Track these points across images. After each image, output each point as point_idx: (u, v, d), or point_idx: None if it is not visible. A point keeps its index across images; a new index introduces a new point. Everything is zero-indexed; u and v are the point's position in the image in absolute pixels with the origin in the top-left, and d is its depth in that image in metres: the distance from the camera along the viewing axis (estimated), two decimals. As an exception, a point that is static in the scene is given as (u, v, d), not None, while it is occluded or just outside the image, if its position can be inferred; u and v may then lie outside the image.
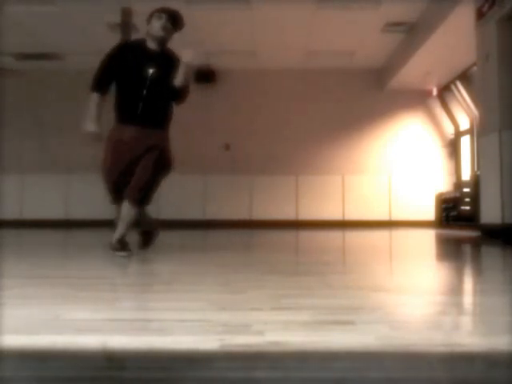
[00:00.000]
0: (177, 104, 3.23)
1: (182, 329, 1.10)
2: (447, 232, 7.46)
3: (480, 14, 5.55)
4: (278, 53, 9.32)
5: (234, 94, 9.96)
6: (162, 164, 3.13)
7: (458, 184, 9.36)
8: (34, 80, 10.22)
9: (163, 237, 6.40)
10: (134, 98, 3.08)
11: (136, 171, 3.07)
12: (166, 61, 3.15)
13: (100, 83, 3.13)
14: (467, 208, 8.19)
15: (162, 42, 3.16)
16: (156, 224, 3.49)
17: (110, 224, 7.78)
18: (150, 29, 3.14)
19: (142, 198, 3.08)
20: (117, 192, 3.13)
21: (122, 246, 2.99)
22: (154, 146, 3.07)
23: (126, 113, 3.12)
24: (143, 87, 3.07)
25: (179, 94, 3.15)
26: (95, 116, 3.10)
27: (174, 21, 3.17)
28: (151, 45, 3.16)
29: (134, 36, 7.90)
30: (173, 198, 8.99)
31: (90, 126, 3.10)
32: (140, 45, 3.18)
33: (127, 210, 3.06)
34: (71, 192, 10.01)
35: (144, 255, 3.38)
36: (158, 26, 3.10)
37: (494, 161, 5.17)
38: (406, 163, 10.16)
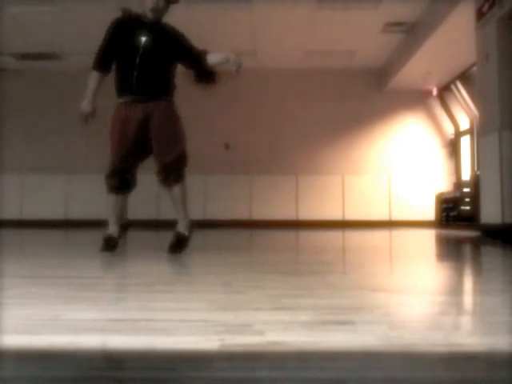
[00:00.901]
0: (202, 82, 3.12)
1: (182, 329, 1.09)
2: (447, 232, 7.46)
3: (480, 14, 5.55)
4: (278, 53, 9.32)
5: (234, 94, 9.96)
6: (174, 137, 3.02)
7: (458, 184, 9.36)
8: (34, 80, 10.22)
9: (163, 237, 6.40)
10: (127, 68, 3.00)
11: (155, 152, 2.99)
12: (162, 31, 3.06)
13: (99, 61, 3.08)
14: (467, 208, 8.19)
15: (158, 13, 3.04)
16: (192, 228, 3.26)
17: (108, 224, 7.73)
18: (142, 4, 3.05)
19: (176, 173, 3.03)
20: (119, 175, 3.03)
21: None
22: (157, 120, 2.97)
23: (121, 85, 3.04)
24: (136, 55, 2.98)
25: (206, 73, 3.07)
26: (92, 95, 3.07)
27: None
28: (145, 19, 3.07)
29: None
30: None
31: (85, 106, 3.07)
32: (134, 18, 3.12)
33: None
34: (71, 192, 10.01)
35: (144, 255, 3.38)
36: (148, 4, 3.00)
37: (493, 161, 5.17)
38: (406, 163, 10.16)
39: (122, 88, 3.04)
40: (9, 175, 9.74)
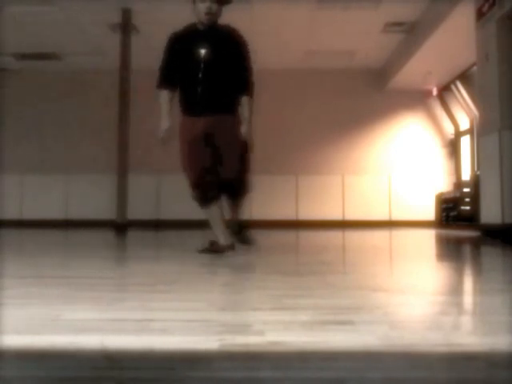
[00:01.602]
0: (244, 95, 2.97)
1: (182, 329, 1.10)
2: (447, 232, 7.46)
3: (480, 14, 5.55)
4: (278, 53, 9.32)
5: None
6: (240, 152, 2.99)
7: (458, 184, 9.36)
8: (34, 80, 10.22)
9: (164, 237, 6.40)
10: (191, 83, 2.90)
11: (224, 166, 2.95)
12: (221, 39, 2.93)
13: (165, 78, 2.99)
14: (467, 208, 8.19)
15: (211, 22, 2.93)
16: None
17: (108, 224, 7.74)
18: (194, 10, 2.90)
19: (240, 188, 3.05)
20: (205, 191, 2.95)
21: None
22: (223, 135, 2.92)
23: (186, 102, 2.97)
24: (198, 70, 2.87)
25: (247, 84, 2.97)
26: (167, 114, 2.97)
27: None
28: (200, 26, 2.94)
29: (134, 37, 7.94)
30: (173, 198, 8.99)
31: (163, 126, 2.96)
32: (190, 29, 2.99)
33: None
34: (71, 192, 10.01)
35: (144, 255, 3.38)
36: (202, 10, 2.86)
37: (493, 161, 5.17)
38: (406, 163, 10.16)
39: (187, 104, 2.97)
40: (9, 175, 9.74)
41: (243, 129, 2.95)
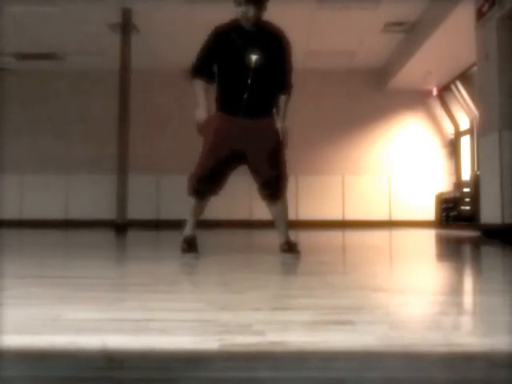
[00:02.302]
0: (283, 95, 2.96)
1: (182, 329, 1.10)
2: (447, 232, 7.46)
3: (480, 14, 5.55)
4: (278, 53, 9.30)
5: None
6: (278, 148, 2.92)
7: (458, 184, 9.36)
8: (34, 80, 10.22)
9: (164, 237, 6.40)
10: (237, 88, 2.85)
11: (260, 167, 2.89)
12: (269, 42, 2.89)
13: (202, 68, 2.91)
14: (467, 208, 8.19)
15: (251, 25, 2.86)
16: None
17: (108, 224, 7.73)
18: (236, 10, 2.83)
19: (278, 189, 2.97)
20: (207, 183, 2.91)
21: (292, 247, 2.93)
22: (260, 136, 2.87)
23: (228, 104, 2.91)
24: (247, 77, 2.83)
25: (288, 84, 2.96)
26: (205, 102, 2.87)
27: (255, 2, 2.81)
28: (245, 25, 2.86)
29: (134, 36, 7.94)
30: (173, 198, 8.99)
31: (201, 114, 2.87)
32: (235, 27, 2.89)
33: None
34: (71, 192, 10.01)
35: (144, 255, 3.38)
36: (239, 13, 2.81)
37: (493, 161, 5.17)
38: (406, 163, 10.16)
39: (229, 107, 2.91)
40: (9, 175, 9.74)
41: (279, 125, 2.92)
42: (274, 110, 3.01)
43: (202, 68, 2.93)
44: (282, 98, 2.99)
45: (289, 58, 3.01)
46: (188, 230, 3.01)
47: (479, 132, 5.95)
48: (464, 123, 9.64)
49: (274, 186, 2.95)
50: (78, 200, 9.92)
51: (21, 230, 7.53)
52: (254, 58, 2.84)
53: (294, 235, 3.20)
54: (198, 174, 2.92)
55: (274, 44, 2.92)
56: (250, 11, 2.80)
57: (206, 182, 2.92)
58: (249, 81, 2.83)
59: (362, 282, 1.99)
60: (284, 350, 0.93)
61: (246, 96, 2.84)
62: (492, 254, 3.64)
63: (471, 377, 0.82)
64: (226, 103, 2.92)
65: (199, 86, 2.92)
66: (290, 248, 2.95)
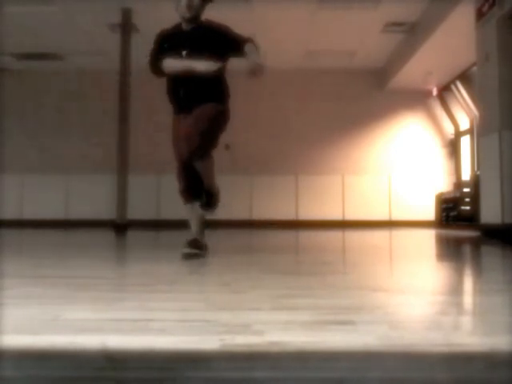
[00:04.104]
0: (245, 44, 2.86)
1: (182, 329, 1.10)
2: (447, 232, 7.46)
3: (480, 14, 5.55)
4: (278, 53, 9.31)
5: (234, 94, 9.95)
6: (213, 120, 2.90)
7: (458, 184, 9.36)
8: (34, 80, 10.22)
9: (163, 237, 6.41)
10: (174, 87, 2.92)
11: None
12: (202, 35, 2.91)
13: (154, 66, 2.95)
14: (467, 208, 8.19)
15: (193, 19, 2.92)
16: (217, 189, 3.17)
17: (108, 224, 7.74)
18: (177, 8, 2.90)
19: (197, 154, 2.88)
20: (190, 187, 2.98)
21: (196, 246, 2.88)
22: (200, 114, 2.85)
23: (173, 102, 2.98)
24: (178, 74, 2.86)
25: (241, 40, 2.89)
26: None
27: None
28: (185, 25, 2.94)
29: (134, 36, 7.94)
30: (173, 198, 8.99)
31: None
32: (175, 30, 2.99)
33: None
34: (71, 192, 10.01)
35: (144, 255, 3.38)
36: (183, 5, 2.85)
37: (494, 161, 5.17)
38: (406, 163, 10.16)
39: (174, 105, 2.99)
40: (9, 175, 9.74)
41: (252, 61, 2.78)
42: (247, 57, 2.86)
43: (154, 66, 2.96)
44: (248, 47, 2.86)
45: (229, 31, 2.95)
46: (192, 234, 3.02)
47: (479, 132, 5.96)
48: (464, 123, 9.64)
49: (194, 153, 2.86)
50: (77, 200, 9.92)
51: (21, 230, 7.53)
52: (183, 53, 2.88)
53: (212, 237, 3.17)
54: (180, 185, 3.01)
55: (207, 33, 2.92)
56: (195, 3, 2.86)
57: (190, 187, 2.98)
58: (180, 77, 2.86)
59: (362, 282, 1.99)
60: (284, 350, 0.93)
61: (181, 92, 2.90)
62: (492, 254, 3.64)
63: (471, 377, 0.82)
64: (172, 103, 3.00)
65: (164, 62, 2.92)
66: (195, 245, 2.88)
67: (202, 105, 2.90)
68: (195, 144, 2.76)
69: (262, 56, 2.93)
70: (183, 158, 2.86)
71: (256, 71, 2.80)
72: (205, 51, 2.88)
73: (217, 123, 2.96)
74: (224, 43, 2.93)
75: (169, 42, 2.98)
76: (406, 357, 0.91)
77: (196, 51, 2.90)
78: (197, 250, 2.86)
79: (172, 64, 2.89)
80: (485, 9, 5.43)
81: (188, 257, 2.78)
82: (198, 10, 2.94)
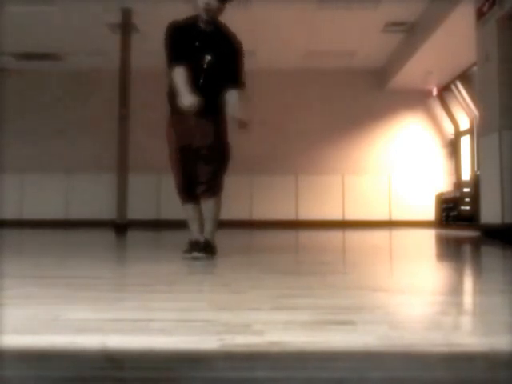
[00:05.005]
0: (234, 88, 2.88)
1: (182, 329, 1.10)
2: (447, 232, 7.46)
3: (480, 14, 5.55)
4: (278, 53, 9.32)
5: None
6: (221, 153, 2.95)
7: (458, 184, 9.36)
8: (33, 80, 10.22)
9: (163, 237, 6.40)
10: (191, 87, 2.79)
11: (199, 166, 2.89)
12: (223, 43, 2.89)
13: (178, 56, 2.84)
14: (467, 208, 8.19)
15: (212, 21, 2.86)
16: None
17: (108, 224, 7.74)
18: (194, 5, 2.81)
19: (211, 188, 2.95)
20: (189, 186, 2.96)
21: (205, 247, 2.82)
22: (209, 134, 2.88)
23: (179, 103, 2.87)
24: (200, 76, 2.83)
25: (240, 80, 2.91)
26: (187, 87, 2.75)
27: None
28: (203, 25, 2.87)
29: (134, 36, 7.93)
30: (173, 198, 8.99)
31: (187, 99, 2.71)
32: (193, 25, 2.89)
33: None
34: (71, 192, 10.01)
35: (144, 255, 3.38)
36: (201, 4, 2.78)
37: (494, 161, 5.17)
38: (406, 163, 10.16)
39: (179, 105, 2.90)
40: (9, 175, 9.74)
41: (237, 116, 2.82)
42: (226, 107, 2.91)
43: (178, 56, 2.86)
44: (234, 93, 2.89)
45: (241, 58, 2.99)
46: (193, 235, 2.98)
47: (479, 132, 5.96)
48: (464, 123, 9.64)
49: (208, 183, 2.93)
50: (78, 200, 9.92)
51: (21, 230, 7.53)
52: (207, 58, 2.85)
53: (221, 238, 3.14)
54: (177, 184, 2.98)
55: (228, 45, 2.92)
56: (214, 3, 2.81)
57: (188, 186, 2.95)
58: (201, 81, 2.84)
59: (362, 282, 1.99)
60: (284, 350, 0.93)
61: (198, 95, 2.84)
62: (492, 254, 3.64)
63: (471, 377, 0.82)
64: (172, 106, 2.92)
65: (179, 73, 2.81)
66: (205, 247, 2.84)
67: (219, 116, 2.93)
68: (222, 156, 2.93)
69: (250, 108, 2.96)
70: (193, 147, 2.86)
71: (240, 126, 2.86)
72: (223, 63, 2.87)
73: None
74: (230, 61, 2.92)
75: (185, 38, 2.87)
76: (406, 357, 0.91)
77: (218, 60, 2.86)
78: (210, 254, 2.81)
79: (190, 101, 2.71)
80: (485, 9, 5.43)
81: (198, 260, 2.75)
82: (217, 13, 2.89)
